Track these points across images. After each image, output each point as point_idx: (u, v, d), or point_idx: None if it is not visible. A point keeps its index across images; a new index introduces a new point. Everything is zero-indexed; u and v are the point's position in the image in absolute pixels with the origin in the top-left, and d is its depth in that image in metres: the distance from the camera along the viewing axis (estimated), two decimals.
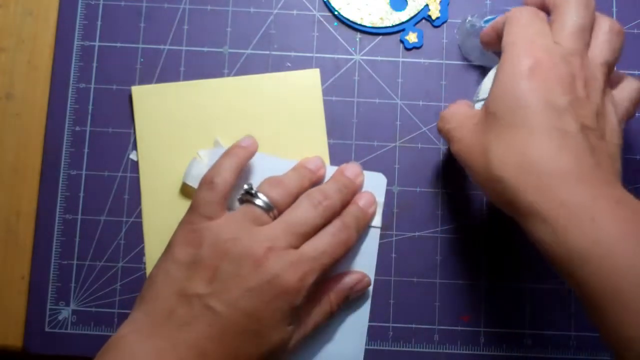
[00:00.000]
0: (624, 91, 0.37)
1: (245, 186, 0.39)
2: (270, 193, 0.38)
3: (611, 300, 0.29)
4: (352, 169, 0.42)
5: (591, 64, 0.35)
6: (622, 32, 0.37)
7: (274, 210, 0.38)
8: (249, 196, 0.38)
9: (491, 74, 0.40)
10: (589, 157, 0.33)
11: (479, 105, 0.39)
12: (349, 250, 0.39)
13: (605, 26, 0.36)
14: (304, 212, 0.38)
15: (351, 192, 0.41)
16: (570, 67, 0.34)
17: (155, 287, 0.37)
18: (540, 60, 0.34)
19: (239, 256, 0.36)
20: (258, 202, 0.38)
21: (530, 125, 0.33)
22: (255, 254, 0.35)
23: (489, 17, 0.43)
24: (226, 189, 0.39)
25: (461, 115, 0.38)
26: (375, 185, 0.43)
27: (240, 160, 0.40)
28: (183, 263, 0.36)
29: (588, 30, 0.36)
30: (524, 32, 0.36)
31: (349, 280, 0.41)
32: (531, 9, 0.37)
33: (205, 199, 0.38)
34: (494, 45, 0.41)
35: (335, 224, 0.39)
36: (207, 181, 0.39)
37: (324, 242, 0.38)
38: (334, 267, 0.41)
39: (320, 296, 0.40)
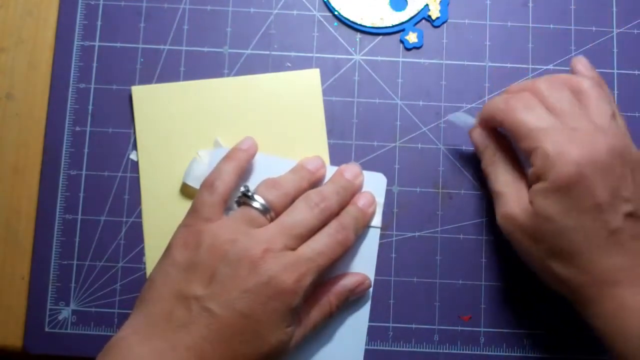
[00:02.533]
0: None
1: (242, 188, 0.39)
2: (267, 195, 0.38)
3: None
4: (351, 170, 0.42)
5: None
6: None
7: (270, 212, 0.38)
8: (245, 198, 0.38)
9: None
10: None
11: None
12: (347, 251, 0.39)
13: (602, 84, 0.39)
14: (300, 214, 0.38)
15: (350, 193, 0.41)
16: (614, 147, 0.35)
17: (155, 288, 0.37)
18: (581, 173, 0.34)
19: (236, 258, 0.36)
20: (255, 204, 0.38)
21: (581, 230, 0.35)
22: (252, 255, 0.36)
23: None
24: (226, 192, 0.39)
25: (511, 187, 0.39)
26: (375, 185, 0.43)
27: (241, 163, 0.41)
28: (181, 265, 0.37)
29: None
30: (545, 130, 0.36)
31: (349, 282, 0.41)
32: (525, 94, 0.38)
33: (204, 201, 0.38)
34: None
35: (333, 225, 0.39)
36: (207, 184, 0.39)
37: (320, 244, 0.38)
38: (333, 268, 0.41)
39: (320, 297, 0.40)
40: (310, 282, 0.36)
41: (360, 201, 0.41)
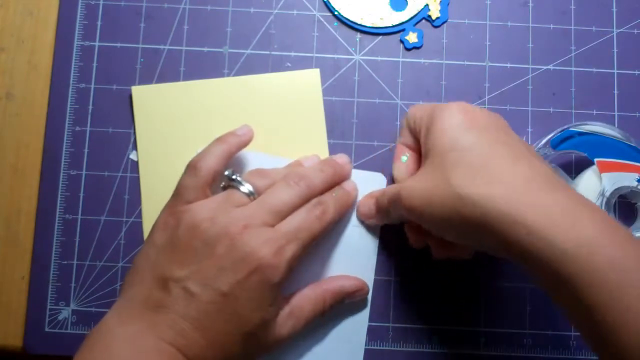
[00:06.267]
0: None
1: (226, 172, 0.39)
2: (255, 182, 0.38)
3: (602, 293, 0.29)
4: (341, 156, 0.42)
5: None
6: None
7: (255, 195, 0.38)
8: (230, 181, 0.38)
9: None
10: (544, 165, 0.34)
11: None
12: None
13: None
14: (279, 191, 0.38)
15: (337, 175, 0.41)
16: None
17: (136, 272, 0.37)
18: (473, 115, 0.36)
19: (215, 236, 0.35)
20: (241, 188, 0.38)
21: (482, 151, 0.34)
22: (231, 232, 0.35)
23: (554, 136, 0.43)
24: (209, 174, 0.38)
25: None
26: (374, 185, 0.43)
27: (230, 147, 0.40)
28: (161, 246, 0.36)
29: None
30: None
31: (348, 285, 0.41)
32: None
33: (187, 184, 0.38)
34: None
35: (312, 201, 0.38)
36: (191, 166, 0.39)
37: (298, 218, 0.37)
38: (333, 267, 0.41)
39: (315, 293, 0.39)
40: (291, 256, 0.36)
41: (346, 184, 0.41)
